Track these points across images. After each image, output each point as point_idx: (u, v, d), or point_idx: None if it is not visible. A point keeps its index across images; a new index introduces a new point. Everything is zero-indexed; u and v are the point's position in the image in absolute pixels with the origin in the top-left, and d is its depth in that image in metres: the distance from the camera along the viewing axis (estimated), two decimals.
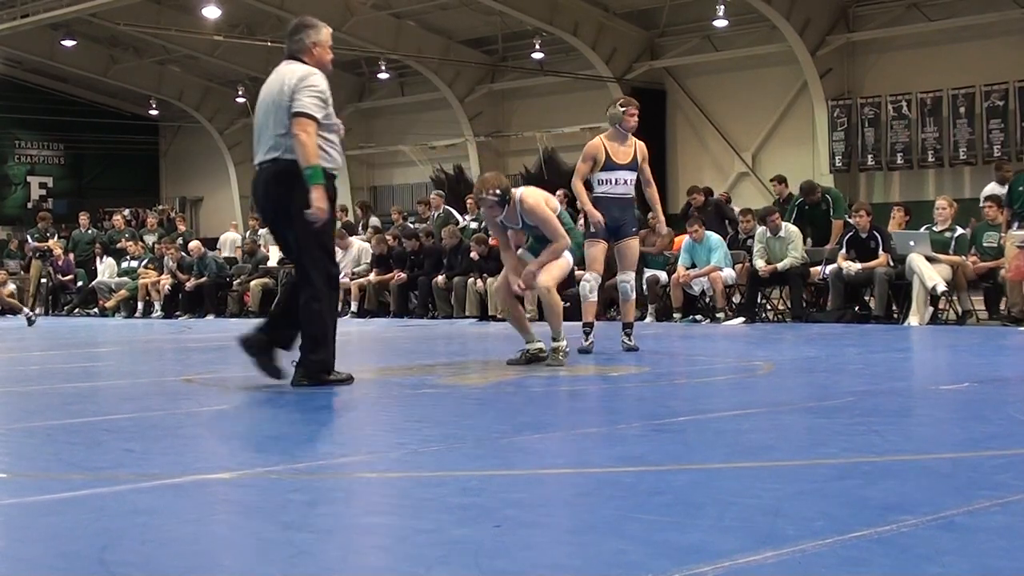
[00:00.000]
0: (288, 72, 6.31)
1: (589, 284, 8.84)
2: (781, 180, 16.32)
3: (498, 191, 7.55)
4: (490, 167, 27.91)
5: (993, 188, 13.87)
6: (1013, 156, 20.73)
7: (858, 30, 22.86)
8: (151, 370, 8.96)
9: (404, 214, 19.76)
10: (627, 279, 9.03)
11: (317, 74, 6.27)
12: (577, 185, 8.91)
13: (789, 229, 13.41)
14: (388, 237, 17.79)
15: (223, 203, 34.16)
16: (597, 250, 8.84)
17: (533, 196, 7.70)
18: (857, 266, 12.57)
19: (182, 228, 22.47)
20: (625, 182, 8.81)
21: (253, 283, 18.85)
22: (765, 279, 13.42)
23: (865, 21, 22.86)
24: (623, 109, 8.84)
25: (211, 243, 22.76)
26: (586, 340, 8.74)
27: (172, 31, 26.36)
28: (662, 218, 9.52)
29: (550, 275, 7.61)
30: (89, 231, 23.24)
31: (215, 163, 34.12)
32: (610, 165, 8.75)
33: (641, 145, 8.92)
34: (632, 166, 8.79)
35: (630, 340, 8.90)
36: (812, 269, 13.41)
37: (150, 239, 21.94)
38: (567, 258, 7.77)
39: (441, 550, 2.74)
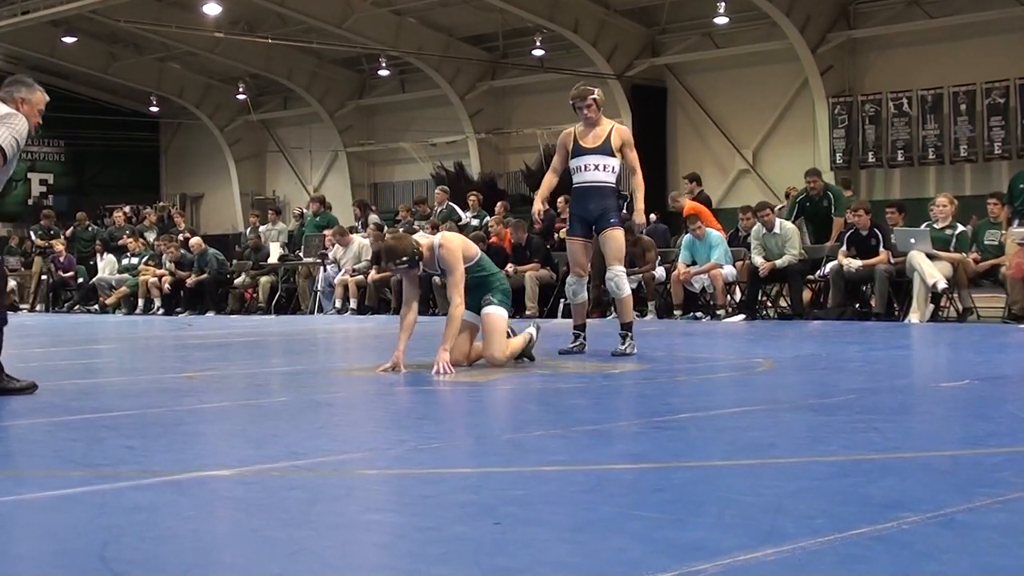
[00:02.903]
0: None
1: (572, 287, 8.42)
2: (694, 179, 16.75)
3: (404, 259, 7.15)
4: (491, 164, 27.98)
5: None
6: (1014, 153, 20.75)
7: (859, 27, 22.86)
8: (151, 367, 8.97)
9: (411, 210, 19.72)
10: (612, 275, 8.27)
11: (23, 118, 5.92)
12: (545, 178, 8.51)
13: (785, 226, 13.40)
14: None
15: (224, 200, 34.19)
16: (574, 248, 8.38)
17: (451, 243, 7.31)
18: (858, 263, 12.57)
19: (181, 224, 22.43)
20: (595, 167, 8.12)
21: (263, 279, 18.84)
22: (766, 276, 13.41)
23: (866, 18, 22.87)
24: (572, 102, 8.30)
25: (212, 240, 22.74)
26: (573, 341, 8.34)
27: (172, 28, 26.37)
28: (638, 208, 8.40)
29: (500, 348, 7.21)
30: (89, 228, 23.24)
31: (215, 160, 34.15)
32: (576, 150, 8.19)
33: (620, 129, 8.27)
34: (602, 150, 8.11)
35: (622, 344, 8.13)
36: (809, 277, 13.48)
37: (150, 236, 21.94)
38: (502, 314, 7.32)
39: (441, 547, 2.74)
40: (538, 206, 8.62)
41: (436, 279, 15.94)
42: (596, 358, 8.04)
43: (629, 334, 8.21)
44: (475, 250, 7.45)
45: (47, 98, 6.29)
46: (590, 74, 24.95)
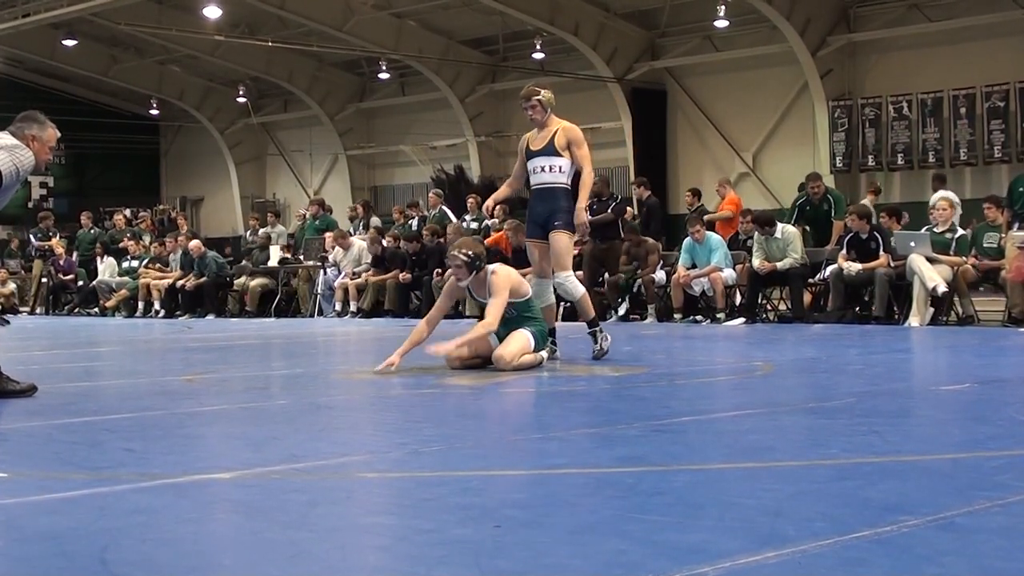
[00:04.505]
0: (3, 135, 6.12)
1: (536, 289, 8.04)
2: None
3: (469, 253, 7.47)
4: (491, 167, 27.96)
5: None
6: (1014, 157, 20.75)
7: (859, 30, 22.86)
8: (151, 370, 8.96)
9: (404, 213, 19.73)
10: (560, 280, 8.10)
11: (30, 153, 6.02)
12: (506, 183, 8.64)
13: (787, 230, 13.40)
14: (384, 239, 17.78)
15: (224, 203, 34.18)
16: (530, 249, 8.28)
17: (505, 273, 7.58)
18: (857, 266, 12.58)
19: (184, 228, 22.41)
20: (543, 169, 8.01)
21: (252, 284, 18.83)
22: (766, 279, 13.42)
23: (866, 21, 22.87)
24: (521, 103, 8.16)
25: (212, 242, 22.76)
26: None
27: (173, 31, 26.36)
28: (579, 208, 8.01)
29: (512, 354, 7.28)
30: (92, 231, 23.25)
31: (216, 163, 34.13)
32: (528, 153, 8.14)
33: (566, 128, 8.05)
34: (547, 151, 7.99)
35: (595, 343, 8.00)
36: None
37: (148, 239, 21.96)
38: (529, 339, 7.43)
39: (441, 550, 2.74)
40: (488, 203, 8.63)
41: (436, 280, 15.99)
42: (595, 361, 8.03)
43: (597, 329, 8.09)
44: (527, 290, 7.66)
45: (58, 134, 6.34)
46: (590, 77, 24.99)
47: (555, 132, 8.02)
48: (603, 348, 8.02)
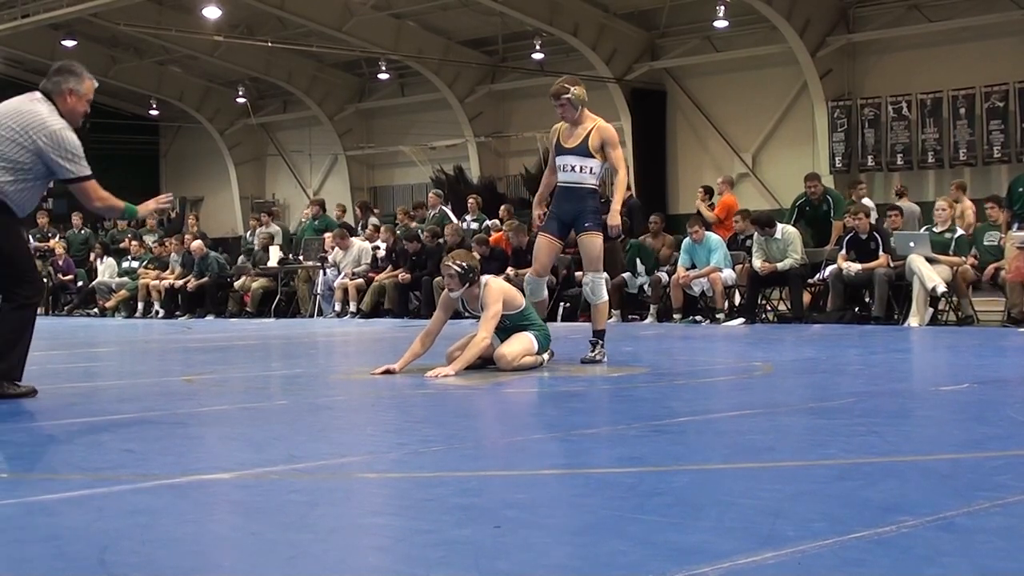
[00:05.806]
0: (32, 111, 5.76)
1: (530, 286, 8.03)
2: (709, 191, 17.07)
3: (463, 265, 7.36)
4: (490, 167, 27.98)
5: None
6: (1013, 157, 20.76)
7: (858, 31, 22.87)
8: (151, 370, 8.96)
9: (409, 214, 19.74)
10: (588, 280, 8.00)
11: (68, 130, 5.75)
12: (543, 178, 8.29)
13: (787, 231, 13.40)
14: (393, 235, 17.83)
15: (223, 203, 34.18)
16: (540, 243, 8.04)
17: (498, 286, 7.48)
18: (857, 267, 12.58)
19: (195, 228, 22.34)
20: (573, 168, 7.78)
21: (254, 285, 18.84)
22: (765, 280, 13.42)
23: (865, 22, 22.88)
24: (551, 101, 7.87)
25: (211, 243, 22.72)
26: None
27: (172, 31, 26.37)
28: (614, 208, 7.93)
29: (514, 354, 7.30)
30: (82, 231, 23.21)
31: (215, 163, 34.14)
32: (559, 150, 7.88)
33: (601, 128, 7.81)
34: (580, 150, 7.75)
35: (592, 351, 7.84)
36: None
37: (149, 239, 21.94)
38: (533, 342, 7.44)
39: (441, 551, 2.74)
40: (536, 211, 8.33)
41: (436, 280, 15.98)
42: (594, 362, 8.02)
43: (600, 342, 7.90)
44: (521, 300, 7.59)
45: (96, 84, 5.94)
46: (590, 78, 24.95)
47: (590, 131, 7.78)
48: (596, 358, 7.85)
